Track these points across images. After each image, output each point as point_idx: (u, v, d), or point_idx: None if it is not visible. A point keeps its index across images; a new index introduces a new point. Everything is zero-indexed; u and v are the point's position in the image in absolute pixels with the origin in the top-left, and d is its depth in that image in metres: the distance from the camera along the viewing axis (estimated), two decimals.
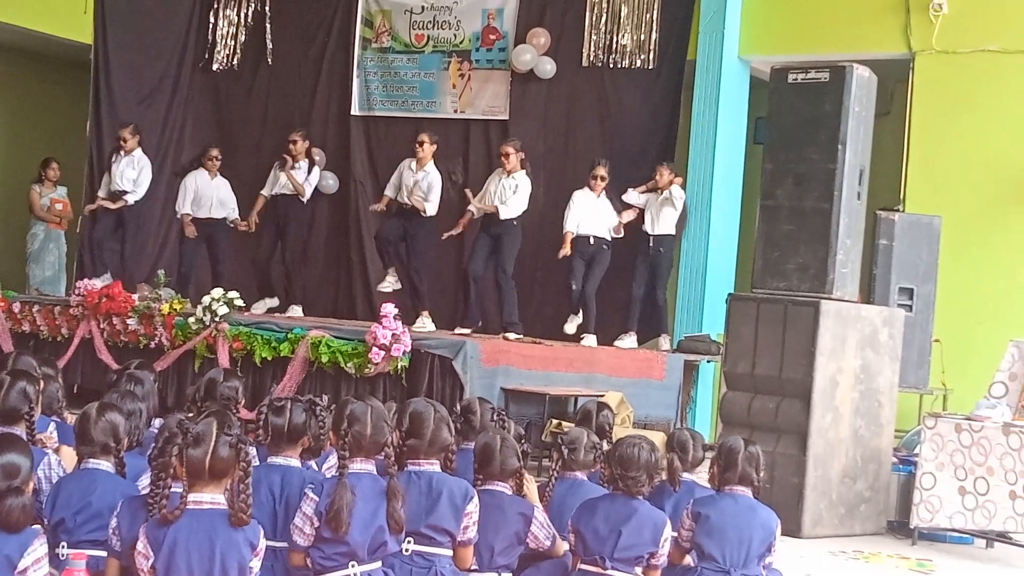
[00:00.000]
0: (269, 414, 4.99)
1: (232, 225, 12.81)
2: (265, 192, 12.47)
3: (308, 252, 13.76)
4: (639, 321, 11.93)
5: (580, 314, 11.49)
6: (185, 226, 12.68)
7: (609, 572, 4.97)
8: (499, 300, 11.49)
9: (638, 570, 5.03)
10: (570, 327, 11.36)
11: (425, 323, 11.23)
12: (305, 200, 12.44)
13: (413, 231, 11.46)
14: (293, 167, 12.26)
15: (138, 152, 12.64)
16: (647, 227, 11.71)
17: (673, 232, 11.70)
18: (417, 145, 11.45)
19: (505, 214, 11.14)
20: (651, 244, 11.66)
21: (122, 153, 12.59)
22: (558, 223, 11.75)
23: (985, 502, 7.81)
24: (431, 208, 11.32)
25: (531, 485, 5.34)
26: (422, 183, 11.34)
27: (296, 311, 12.33)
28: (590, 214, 11.52)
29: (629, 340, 11.55)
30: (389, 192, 11.72)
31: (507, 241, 11.24)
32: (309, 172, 12.37)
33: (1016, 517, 7.78)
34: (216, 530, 4.06)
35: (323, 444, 5.24)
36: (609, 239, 11.57)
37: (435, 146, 11.49)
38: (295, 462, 4.99)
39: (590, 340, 11.38)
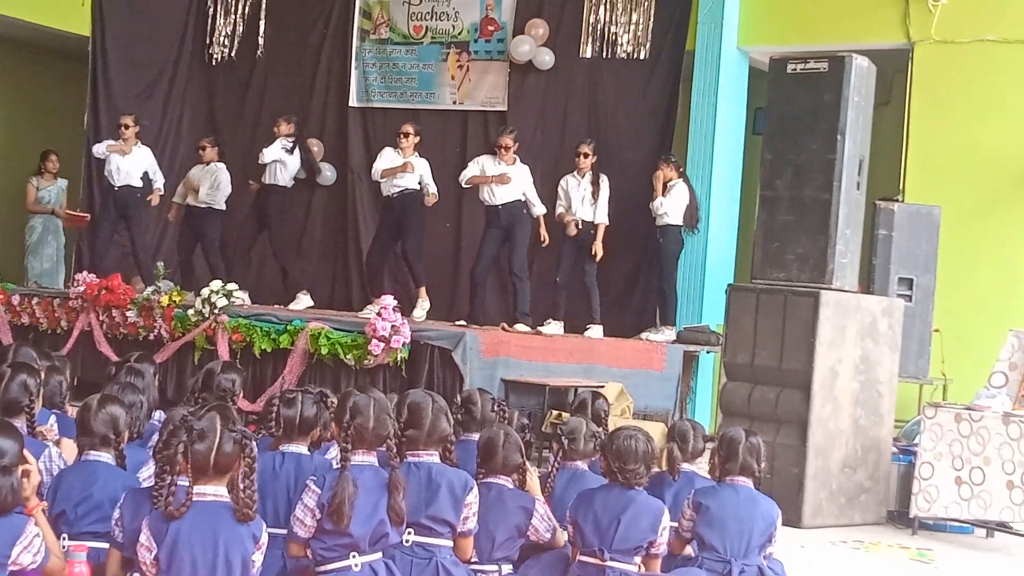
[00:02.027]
0: (281, 406, 5.01)
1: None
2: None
3: (304, 243, 13.75)
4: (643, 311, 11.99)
5: (560, 313, 11.36)
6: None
7: (608, 563, 4.98)
8: (513, 294, 11.45)
9: (637, 559, 5.04)
10: (549, 329, 11.12)
11: (423, 305, 11.24)
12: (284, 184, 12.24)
13: (402, 215, 11.43)
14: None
15: (138, 144, 12.59)
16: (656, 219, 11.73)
17: (680, 222, 11.64)
18: (401, 136, 11.42)
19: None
20: (657, 235, 11.68)
21: (122, 142, 12.53)
22: (551, 215, 11.74)
23: (980, 492, 7.83)
24: (433, 188, 11.39)
25: (533, 478, 5.35)
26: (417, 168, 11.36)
27: (305, 300, 12.21)
28: (576, 198, 11.47)
29: (667, 333, 11.56)
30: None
31: (519, 233, 11.23)
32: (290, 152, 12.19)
33: (1013, 507, 7.81)
34: (219, 523, 4.06)
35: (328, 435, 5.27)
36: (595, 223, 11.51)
37: (418, 137, 11.44)
38: (305, 450, 5.05)
39: (595, 331, 11.33)
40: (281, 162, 11.99)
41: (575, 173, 11.50)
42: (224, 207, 12.69)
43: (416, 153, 11.43)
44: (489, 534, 5.08)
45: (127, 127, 12.46)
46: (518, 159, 11.37)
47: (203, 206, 12.55)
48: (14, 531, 3.90)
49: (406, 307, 10.70)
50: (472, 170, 11.41)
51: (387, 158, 11.41)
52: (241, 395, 6.41)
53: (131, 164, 12.46)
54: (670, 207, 11.50)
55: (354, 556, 4.51)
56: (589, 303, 11.45)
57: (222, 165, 12.67)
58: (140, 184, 12.52)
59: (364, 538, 4.50)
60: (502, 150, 11.28)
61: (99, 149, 12.67)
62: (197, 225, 12.60)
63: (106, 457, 4.76)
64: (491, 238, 11.39)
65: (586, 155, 11.41)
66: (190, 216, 12.67)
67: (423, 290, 11.45)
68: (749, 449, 5.39)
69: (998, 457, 7.81)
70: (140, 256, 12.62)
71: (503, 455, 5.20)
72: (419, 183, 11.38)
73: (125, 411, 4.90)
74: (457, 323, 11.04)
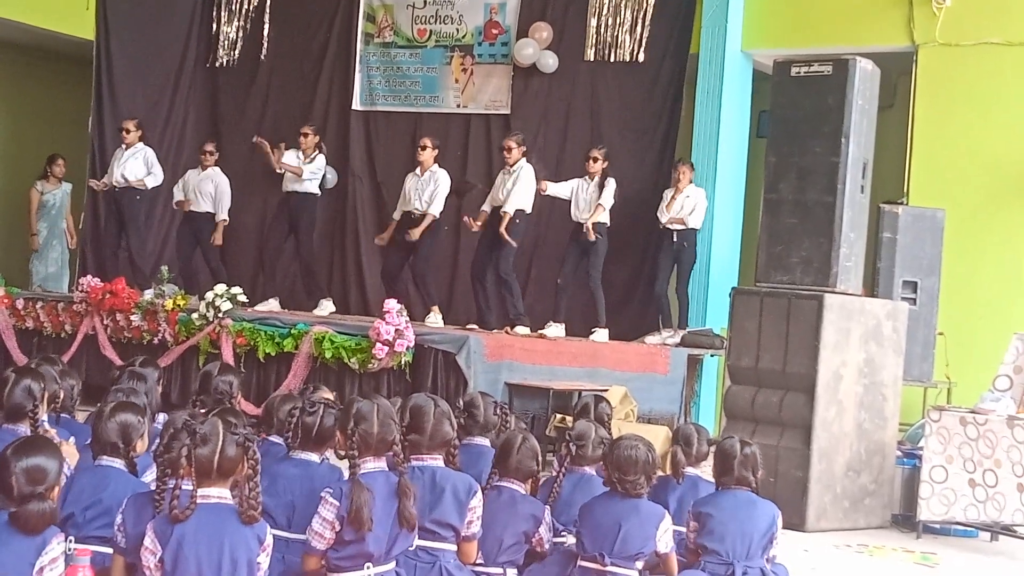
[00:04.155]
0: (301, 415, 5.02)
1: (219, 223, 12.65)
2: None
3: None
4: (641, 315, 11.97)
5: (562, 315, 11.34)
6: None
7: (608, 568, 4.98)
8: (501, 297, 11.45)
9: (638, 565, 5.04)
10: (551, 332, 11.10)
11: (436, 319, 11.27)
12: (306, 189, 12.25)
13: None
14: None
15: (139, 144, 12.60)
16: (665, 221, 11.75)
17: (698, 227, 11.73)
18: (419, 149, 11.46)
19: (507, 208, 11.08)
20: (675, 239, 11.69)
21: (123, 146, 12.55)
22: (556, 217, 11.75)
23: (995, 494, 7.81)
24: (435, 208, 11.33)
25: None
26: (428, 185, 11.35)
27: (328, 306, 12.18)
28: (583, 200, 11.45)
29: (659, 336, 11.56)
30: (396, 215, 11.73)
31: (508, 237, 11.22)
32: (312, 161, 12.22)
33: (1023, 509, 7.77)
34: (224, 524, 4.06)
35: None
36: (607, 224, 11.42)
37: (436, 150, 11.52)
38: (315, 458, 5.07)
39: (601, 335, 11.31)
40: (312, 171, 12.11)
41: (586, 177, 11.47)
42: (227, 217, 12.70)
43: (436, 164, 11.45)
44: (497, 537, 5.08)
45: (128, 131, 12.49)
46: (523, 161, 11.34)
47: (202, 211, 12.57)
48: (39, 544, 3.89)
49: (418, 315, 10.80)
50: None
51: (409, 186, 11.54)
52: (239, 397, 6.40)
53: (134, 167, 12.47)
54: (698, 214, 11.59)
55: (368, 567, 4.50)
56: (594, 307, 11.43)
57: (217, 169, 12.69)
58: (141, 188, 12.54)
59: (380, 546, 4.49)
60: (504, 152, 11.29)
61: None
62: (196, 229, 12.62)
63: (118, 463, 4.75)
64: (484, 240, 11.42)
65: (596, 159, 11.38)
66: (189, 220, 12.69)
67: (435, 307, 11.46)
68: (744, 462, 5.39)
69: (1007, 460, 7.79)
70: (136, 262, 12.60)
71: (517, 459, 5.23)
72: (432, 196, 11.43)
73: (137, 418, 4.89)
74: (468, 327, 11.05)
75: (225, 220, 12.59)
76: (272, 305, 11.91)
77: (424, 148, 11.46)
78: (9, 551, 3.84)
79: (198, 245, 12.67)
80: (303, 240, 12.31)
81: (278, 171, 12.12)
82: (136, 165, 12.46)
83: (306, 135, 12.20)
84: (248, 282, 12.50)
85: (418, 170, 11.51)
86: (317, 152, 12.16)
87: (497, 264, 11.26)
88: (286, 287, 12.89)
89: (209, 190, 12.54)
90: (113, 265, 12.66)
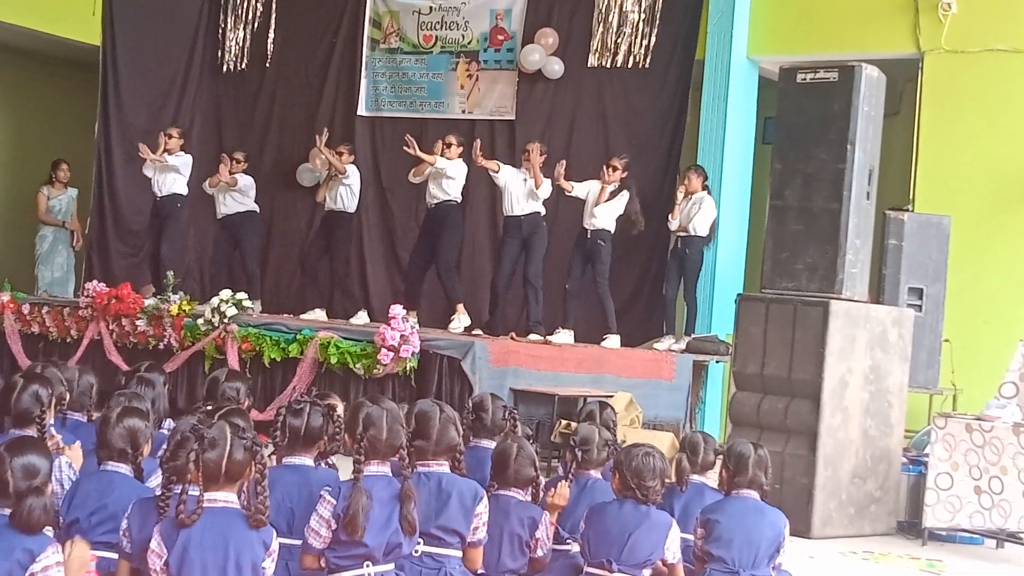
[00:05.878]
0: (287, 416, 4.99)
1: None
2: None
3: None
4: (647, 320, 11.98)
5: (570, 322, 11.40)
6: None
7: (615, 574, 4.97)
8: (526, 301, 11.46)
9: (646, 573, 5.03)
10: (559, 337, 11.16)
11: (461, 320, 11.26)
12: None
13: (438, 226, 11.46)
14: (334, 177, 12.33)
15: (181, 153, 12.68)
16: (674, 228, 11.75)
17: (705, 234, 11.68)
18: (444, 147, 11.47)
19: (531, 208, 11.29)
20: (678, 246, 11.68)
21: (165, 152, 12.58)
22: (562, 222, 11.75)
23: (1001, 501, 7.79)
24: (454, 185, 11.40)
25: (564, 488, 5.41)
26: (446, 171, 11.39)
27: (363, 316, 12.21)
28: (590, 205, 11.47)
29: (666, 342, 11.58)
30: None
31: (537, 243, 11.29)
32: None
33: None
34: (230, 528, 4.06)
35: (337, 447, 5.25)
36: (610, 231, 11.47)
37: (461, 147, 11.60)
38: (309, 462, 5.01)
39: (612, 341, 11.32)
40: (348, 187, 12.09)
41: (600, 182, 11.46)
42: (257, 207, 12.77)
43: (460, 159, 11.53)
44: (496, 545, 5.07)
45: (171, 137, 12.53)
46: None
47: (238, 211, 12.63)
48: (35, 550, 3.89)
49: (443, 320, 10.83)
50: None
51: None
52: (247, 403, 6.39)
53: (176, 179, 12.54)
54: (700, 220, 11.55)
55: (368, 566, 4.51)
56: (604, 313, 11.45)
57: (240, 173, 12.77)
58: (183, 192, 12.63)
59: (379, 548, 4.50)
60: (525, 161, 11.35)
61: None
62: (234, 233, 12.67)
63: (124, 468, 4.75)
64: (510, 249, 11.43)
65: (615, 168, 11.40)
66: (226, 226, 12.73)
67: (461, 306, 11.46)
68: (758, 463, 5.41)
69: (1013, 467, 7.77)
70: (161, 267, 12.61)
71: (514, 468, 5.20)
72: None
73: (144, 423, 4.89)
74: (474, 333, 11.04)
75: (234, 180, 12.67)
76: (319, 315, 12.04)
77: (449, 146, 11.49)
78: (2, 555, 3.84)
79: (236, 249, 12.72)
80: (336, 256, 12.36)
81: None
82: (176, 178, 12.50)
83: (342, 153, 12.27)
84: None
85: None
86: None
87: (526, 269, 11.29)
88: (292, 292, 12.91)
89: (241, 187, 12.64)
90: (119, 269, 12.69)
